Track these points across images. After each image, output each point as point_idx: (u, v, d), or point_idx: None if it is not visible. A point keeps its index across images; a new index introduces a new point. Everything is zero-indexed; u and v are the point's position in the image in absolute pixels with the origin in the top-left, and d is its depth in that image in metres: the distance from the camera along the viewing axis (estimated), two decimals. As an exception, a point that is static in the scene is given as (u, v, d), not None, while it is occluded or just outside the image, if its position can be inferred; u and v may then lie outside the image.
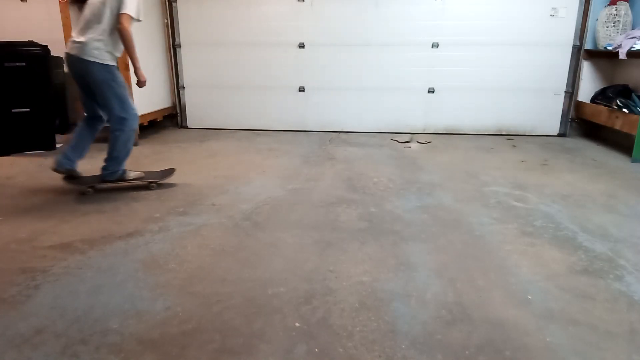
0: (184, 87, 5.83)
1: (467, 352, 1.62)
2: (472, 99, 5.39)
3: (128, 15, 2.95)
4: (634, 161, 4.19)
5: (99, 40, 2.99)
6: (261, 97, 5.69)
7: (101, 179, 3.30)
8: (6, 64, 4.25)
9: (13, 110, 4.36)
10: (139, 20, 3.06)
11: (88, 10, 3.05)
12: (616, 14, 4.74)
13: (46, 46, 4.48)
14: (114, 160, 3.25)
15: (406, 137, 5.27)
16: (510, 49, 5.19)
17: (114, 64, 3.11)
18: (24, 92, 4.38)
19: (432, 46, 5.29)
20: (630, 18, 4.75)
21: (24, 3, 5.61)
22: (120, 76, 3.13)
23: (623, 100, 4.52)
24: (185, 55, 5.71)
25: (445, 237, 2.59)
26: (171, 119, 5.93)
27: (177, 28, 5.62)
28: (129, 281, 2.09)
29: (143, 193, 3.30)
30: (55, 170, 3.21)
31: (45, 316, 1.83)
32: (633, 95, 4.55)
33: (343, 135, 5.46)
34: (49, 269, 2.20)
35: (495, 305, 1.91)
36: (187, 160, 4.28)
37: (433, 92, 5.44)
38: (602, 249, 2.44)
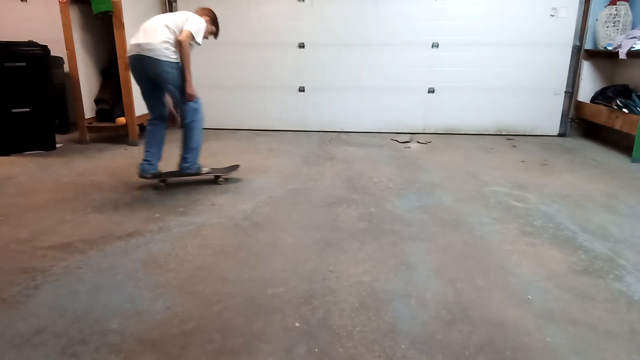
0: (184, 87, 5.82)
1: (467, 352, 1.62)
2: (472, 99, 5.39)
3: (189, 32, 3.09)
4: (634, 161, 4.19)
5: (166, 42, 3.09)
6: (261, 97, 5.69)
7: (182, 171, 3.41)
8: (6, 64, 4.25)
9: (13, 111, 4.36)
10: (197, 44, 3.19)
11: (155, 20, 3.19)
12: (616, 14, 4.74)
13: (46, 46, 4.49)
14: (192, 151, 3.37)
15: (406, 137, 5.27)
16: (510, 49, 5.19)
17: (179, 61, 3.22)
18: (24, 92, 4.38)
19: (432, 46, 5.29)
20: (630, 18, 4.75)
21: (24, 3, 5.61)
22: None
23: (623, 100, 4.52)
24: (185, 55, 5.71)
25: (445, 237, 2.59)
26: (171, 119, 5.92)
27: (177, 28, 5.62)
28: (129, 281, 2.09)
29: (143, 193, 3.31)
30: (142, 177, 3.38)
31: (45, 316, 1.83)
32: (633, 95, 4.55)
33: (343, 135, 5.46)
34: (49, 269, 2.20)
35: (495, 305, 1.91)
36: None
37: (433, 92, 5.44)
38: (602, 249, 2.44)
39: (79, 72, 4.74)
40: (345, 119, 5.64)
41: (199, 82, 5.69)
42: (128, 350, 1.63)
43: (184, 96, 3.22)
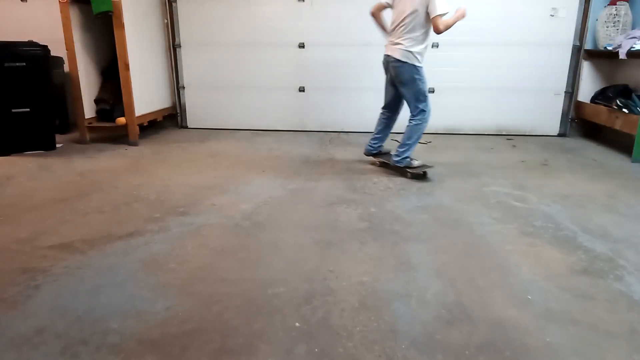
0: (184, 87, 5.83)
1: (467, 352, 1.62)
2: (472, 99, 5.39)
3: (439, 16, 3.23)
4: (634, 161, 4.19)
5: (410, 44, 3.41)
6: (261, 97, 5.69)
7: (392, 164, 3.70)
8: (6, 64, 4.25)
9: (13, 111, 4.36)
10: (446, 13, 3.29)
11: (401, 17, 3.46)
12: (616, 14, 4.74)
13: (46, 46, 4.48)
14: (405, 146, 3.63)
15: (406, 137, 5.26)
16: (511, 49, 5.19)
17: (420, 65, 3.49)
18: (24, 92, 4.37)
19: (432, 46, 5.28)
20: (630, 18, 4.75)
21: (24, 3, 5.62)
22: (424, 75, 3.50)
23: (623, 100, 4.52)
24: (186, 56, 5.71)
25: (446, 237, 2.59)
26: (171, 119, 5.93)
27: (177, 28, 5.62)
28: (129, 281, 2.09)
29: (143, 193, 3.31)
30: (365, 154, 4.01)
31: (46, 316, 1.83)
32: (633, 95, 4.54)
33: (343, 135, 5.46)
34: (49, 269, 2.20)
35: (495, 305, 1.91)
36: (187, 160, 4.29)
37: (433, 92, 5.43)
38: (602, 249, 2.44)
39: (79, 72, 4.74)
40: (345, 119, 5.64)
41: (199, 82, 5.78)
42: (128, 351, 1.63)
43: (412, 97, 3.55)
